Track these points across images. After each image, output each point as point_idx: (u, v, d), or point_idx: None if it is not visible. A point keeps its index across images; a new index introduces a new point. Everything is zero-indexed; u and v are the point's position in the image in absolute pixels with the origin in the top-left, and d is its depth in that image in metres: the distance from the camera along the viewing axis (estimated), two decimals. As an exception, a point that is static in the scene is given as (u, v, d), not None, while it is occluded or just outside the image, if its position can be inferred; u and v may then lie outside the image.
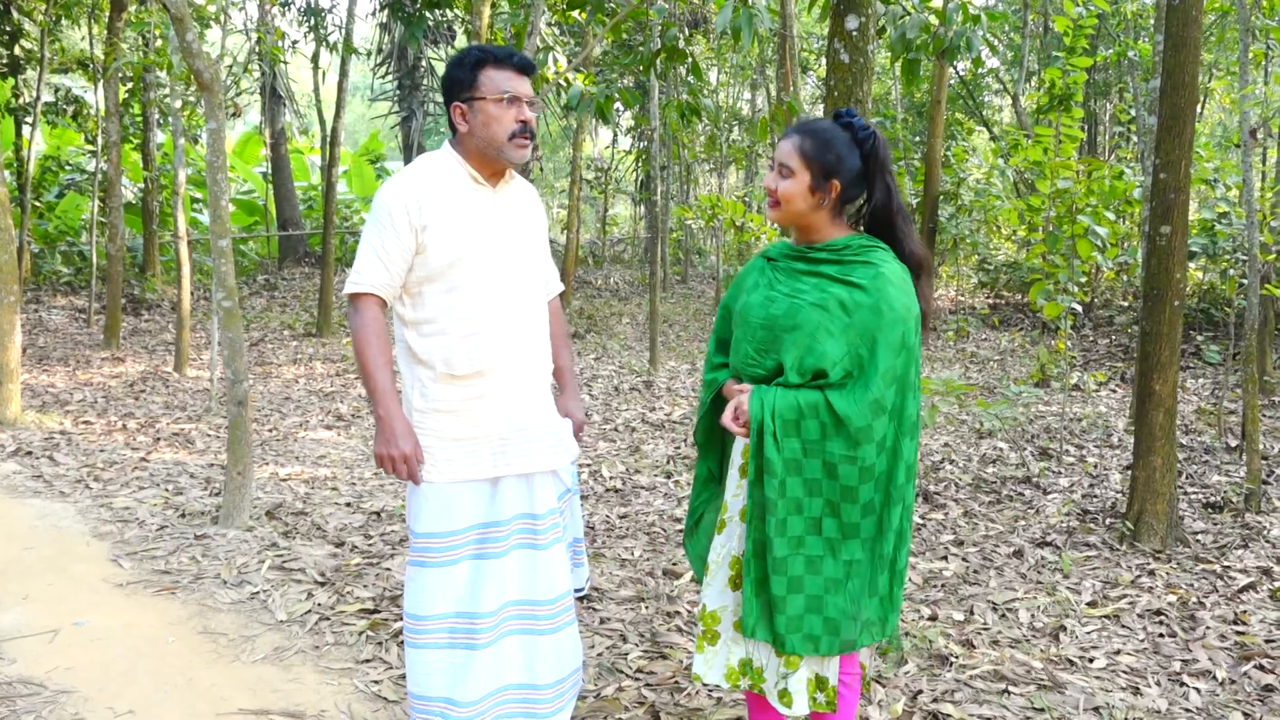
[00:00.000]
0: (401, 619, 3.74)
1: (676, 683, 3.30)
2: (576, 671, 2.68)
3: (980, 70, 15.47)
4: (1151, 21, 11.77)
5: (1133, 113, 12.92)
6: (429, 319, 2.52)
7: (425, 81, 20.09)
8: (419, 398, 2.55)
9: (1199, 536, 4.86)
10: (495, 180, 2.59)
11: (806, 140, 2.35)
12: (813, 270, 2.36)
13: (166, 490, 5.63)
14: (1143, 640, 3.69)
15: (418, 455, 2.48)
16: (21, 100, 15.56)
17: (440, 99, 21.23)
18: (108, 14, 12.52)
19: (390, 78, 19.94)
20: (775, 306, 2.37)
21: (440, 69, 20.86)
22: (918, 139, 15.24)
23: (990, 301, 14.96)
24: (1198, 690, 3.29)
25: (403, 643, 3.53)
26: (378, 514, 5.23)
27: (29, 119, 15.03)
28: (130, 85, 14.59)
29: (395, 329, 2.63)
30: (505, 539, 2.58)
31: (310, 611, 3.86)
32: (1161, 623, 3.85)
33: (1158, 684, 3.33)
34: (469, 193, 2.55)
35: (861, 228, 2.44)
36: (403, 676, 3.32)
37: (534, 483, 2.62)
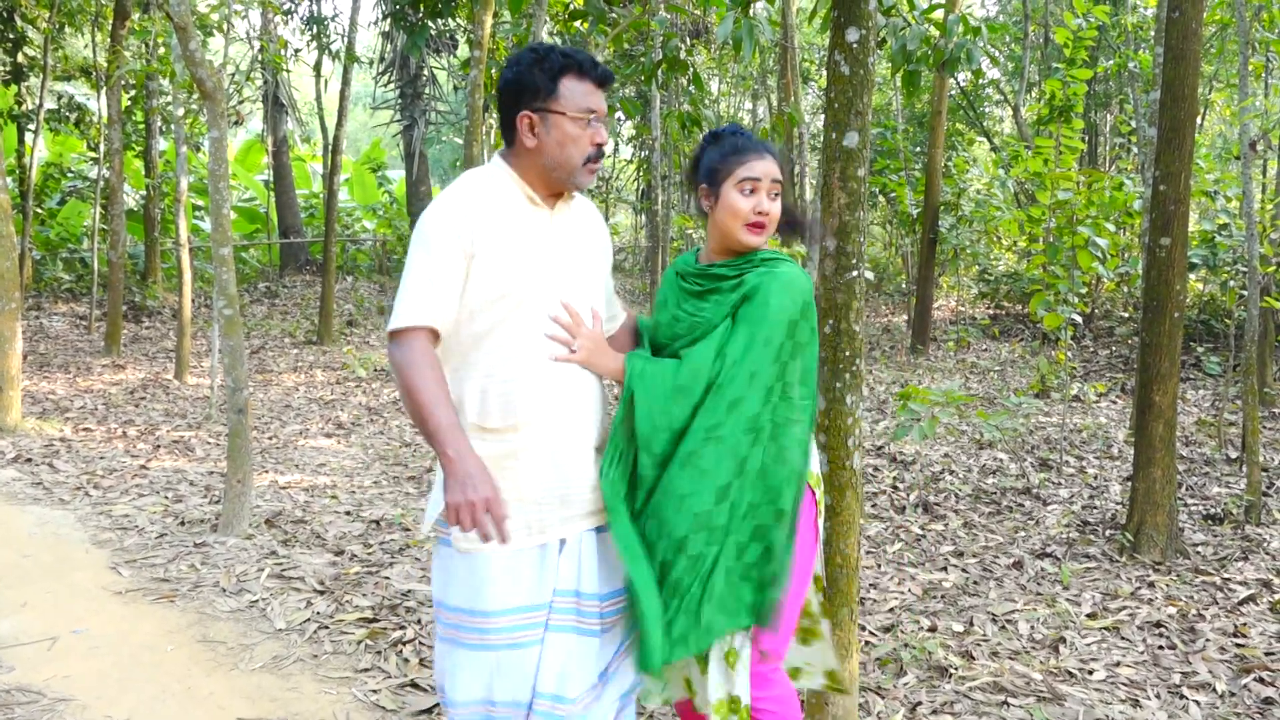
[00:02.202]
0: (401, 630, 3.74)
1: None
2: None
3: (981, 81, 15.51)
4: (1152, 33, 11.80)
5: (1133, 124, 12.94)
6: (462, 359, 2.19)
7: (427, 90, 20.13)
8: None
9: (1199, 548, 4.85)
10: (553, 201, 2.26)
11: (778, 160, 2.37)
12: (714, 288, 2.34)
13: (166, 498, 5.63)
14: (1142, 652, 3.68)
15: (500, 502, 2.02)
16: (24, 107, 15.60)
17: (442, 108, 21.35)
18: (111, 22, 12.57)
19: (392, 86, 19.98)
20: (679, 326, 2.36)
21: (442, 78, 20.94)
22: (918, 149, 15.27)
23: (990, 312, 14.97)
24: (1198, 703, 3.29)
25: (406, 658, 3.53)
26: (377, 522, 5.23)
27: (32, 126, 15.06)
28: (133, 93, 14.61)
29: None
30: (543, 623, 2.20)
31: (309, 620, 3.85)
32: (1161, 635, 3.85)
33: (1157, 696, 3.33)
34: (525, 217, 2.21)
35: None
36: (401, 686, 3.32)
37: (586, 555, 2.23)
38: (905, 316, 14.24)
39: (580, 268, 2.29)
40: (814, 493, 2.37)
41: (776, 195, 2.34)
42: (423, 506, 5.60)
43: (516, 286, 2.16)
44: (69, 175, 18.76)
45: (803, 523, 2.33)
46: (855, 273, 2.77)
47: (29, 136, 15.52)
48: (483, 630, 2.16)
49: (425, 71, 20.00)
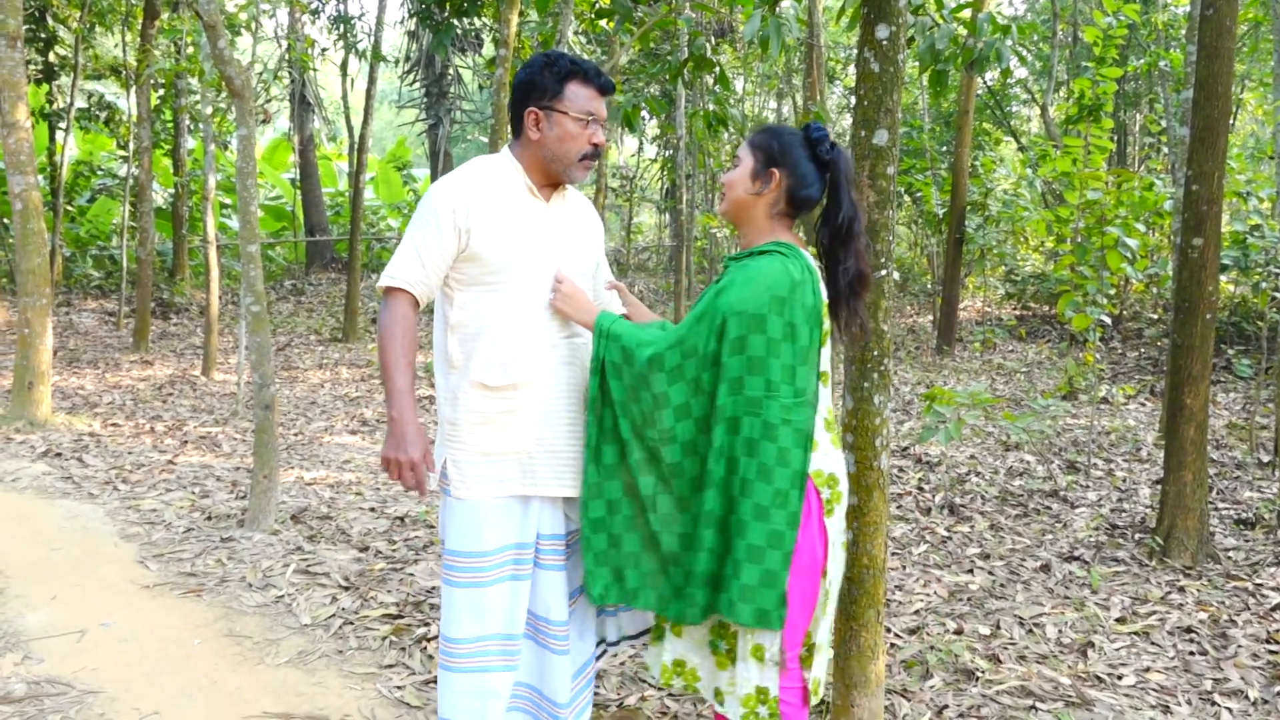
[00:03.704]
0: (425, 626, 3.75)
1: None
2: (571, 705, 2.62)
3: (1008, 80, 15.39)
4: (1183, 32, 11.66)
5: (1163, 124, 12.79)
6: (468, 325, 2.46)
7: (452, 89, 20.21)
8: (450, 408, 2.48)
9: (1230, 553, 4.79)
10: (549, 193, 2.53)
11: (755, 133, 2.46)
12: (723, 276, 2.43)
13: (193, 493, 5.67)
14: (1173, 658, 3.64)
15: (428, 462, 2.40)
16: (56, 106, 15.78)
17: (467, 106, 21.42)
18: (141, 21, 12.68)
19: (418, 85, 20.07)
20: None
21: (467, 76, 21.00)
22: (945, 149, 15.17)
23: (1017, 313, 14.85)
24: (1229, 710, 3.24)
25: (430, 655, 3.55)
26: (401, 519, 5.24)
27: (63, 124, 15.24)
28: (162, 92, 14.76)
29: (435, 334, 2.58)
30: (531, 561, 2.54)
31: (334, 615, 3.87)
32: (1192, 640, 3.79)
33: (1188, 703, 3.28)
34: (522, 202, 2.48)
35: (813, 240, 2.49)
36: (425, 682, 3.33)
37: (548, 503, 2.55)
38: (931, 317, 14.15)
39: (570, 253, 2.55)
40: (819, 492, 2.35)
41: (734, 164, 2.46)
42: (447, 504, 5.61)
43: (513, 261, 2.44)
44: (99, 173, 18.98)
45: (805, 523, 2.33)
46: (884, 272, 2.75)
47: (60, 135, 15.71)
48: (476, 569, 2.46)
49: (450, 70, 20.07)
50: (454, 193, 2.42)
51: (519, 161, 2.51)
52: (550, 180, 2.52)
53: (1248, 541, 4.97)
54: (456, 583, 2.48)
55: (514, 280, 2.44)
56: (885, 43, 2.70)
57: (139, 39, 12.51)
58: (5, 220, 14.56)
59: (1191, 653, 3.69)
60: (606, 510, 2.43)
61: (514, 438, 2.46)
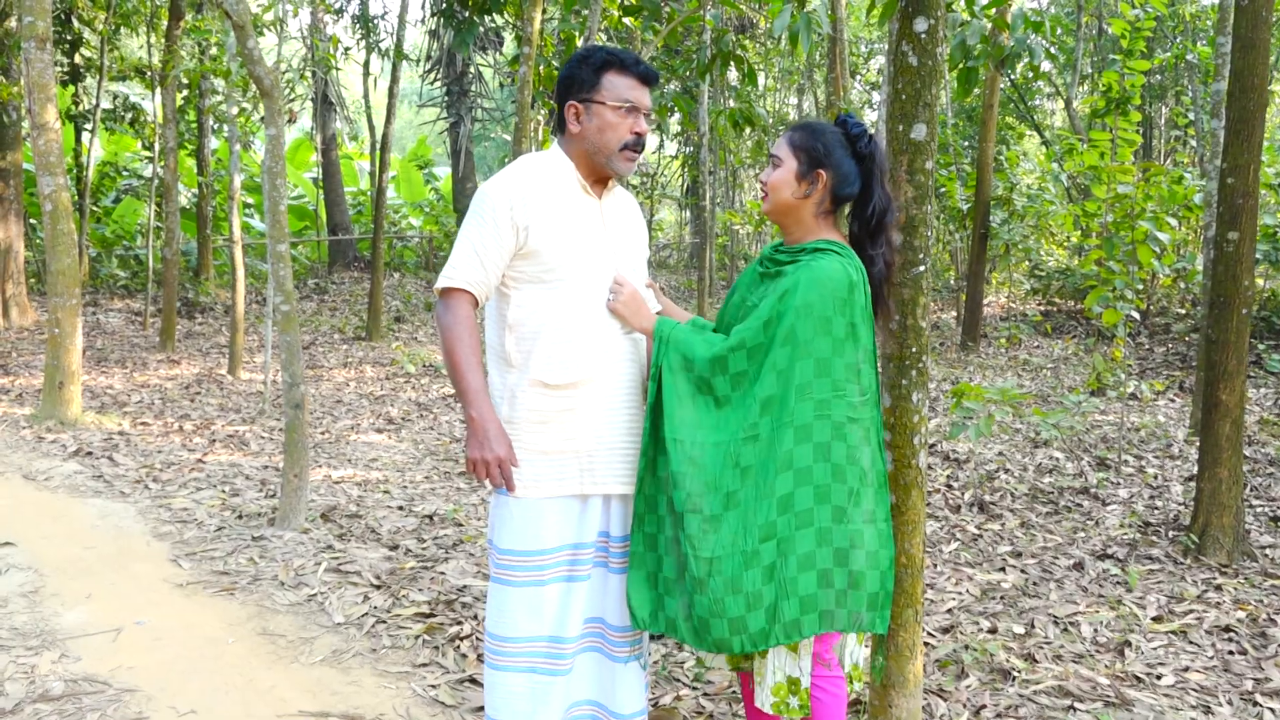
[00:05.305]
0: (458, 625, 3.75)
1: (734, 692, 3.27)
2: (643, 713, 2.57)
3: (1032, 74, 15.27)
4: (1209, 24, 11.53)
5: (1191, 116, 12.66)
6: (526, 323, 2.43)
7: (474, 88, 20.24)
8: (508, 407, 2.45)
9: (1266, 551, 4.73)
10: (599, 189, 2.53)
11: (795, 132, 2.44)
12: (776, 273, 2.39)
13: (223, 491, 5.70)
14: (1212, 657, 3.59)
15: (512, 459, 2.38)
16: (81, 107, 15.91)
17: (488, 105, 21.45)
18: (166, 23, 12.77)
19: (439, 84, 20.11)
20: (743, 310, 2.44)
21: (489, 75, 21.04)
22: (968, 144, 15.05)
23: (1042, 308, 14.73)
24: (1272, 711, 3.20)
25: (464, 654, 3.55)
26: (430, 517, 5.25)
27: (88, 126, 15.36)
28: (187, 92, 14.85)
29: (490, 333, 2.54)
30: (590, 561, 2.50)
31: (367, 614, 3.88)
32: (1231, 639, 3.75)
33: (1229, 703, 3.24)
34: (576, 198, 2.48)
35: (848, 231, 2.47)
36: (460, 681, 3.33)
37: (615, 503, 2.52)
38: (955, 313, 14.06)
39: (623, 250, 2.56)
40: None
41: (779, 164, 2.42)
42: (474, 503, 5.62)
43: (571, 258, 2.42)
44: (124, 174, 19.14)
45: None
46: (922, 268, 2.72)
47: (85, 136, 15.84)
48: (535, 568, 2.43)
49: (472, 69, 20.10)
50: (510, 190, 2.41)
51: (568, 157, 2.51)
52: (598, 175, 2.52)
53: (1284, 539, 4.91)
54: (513, 582, 2.45)
55: (571, 277, 2.43)
56: (924, 36, 2.67)
57: (164, 40, 12.60)
58: (34, 221, 14.70)
59: (1231, 652, 3.64)
60: (657, 527, 2.36)
61: (573, 436, 2.44)
